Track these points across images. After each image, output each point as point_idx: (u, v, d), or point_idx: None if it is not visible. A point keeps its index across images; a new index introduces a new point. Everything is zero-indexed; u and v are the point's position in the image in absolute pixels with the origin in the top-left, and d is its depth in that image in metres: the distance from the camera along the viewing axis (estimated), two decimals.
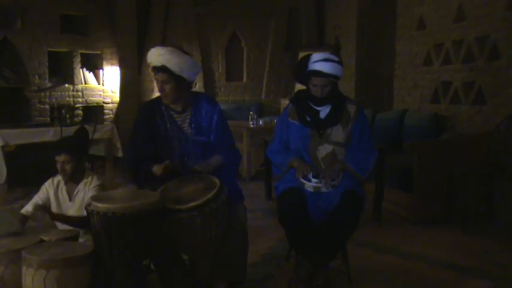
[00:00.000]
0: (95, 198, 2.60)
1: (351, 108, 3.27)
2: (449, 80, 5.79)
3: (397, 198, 5.04)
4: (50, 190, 3.30)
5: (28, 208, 3.24)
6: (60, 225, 3.28)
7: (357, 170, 3.18)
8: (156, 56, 2.92)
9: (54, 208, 3.29)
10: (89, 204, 2.53)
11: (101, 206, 2.46)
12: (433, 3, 6.06)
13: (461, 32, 5.57)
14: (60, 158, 3.17)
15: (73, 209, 3.24)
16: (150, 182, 2.94)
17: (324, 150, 3.23)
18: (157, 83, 3.00)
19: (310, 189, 3.09)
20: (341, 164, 3.18)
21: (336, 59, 3.19)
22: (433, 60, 6.08)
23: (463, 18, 5.56)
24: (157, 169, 2.89)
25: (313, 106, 3.25)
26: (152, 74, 3.04)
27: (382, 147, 4.83)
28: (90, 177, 3.28)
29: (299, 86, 3.51)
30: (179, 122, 3.08)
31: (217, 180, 2.76)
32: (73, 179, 3.25)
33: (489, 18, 5.17)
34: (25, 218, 3.12)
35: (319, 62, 3.14)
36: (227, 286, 3.00)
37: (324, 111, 3.25)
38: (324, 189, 3.08)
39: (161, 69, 2.92)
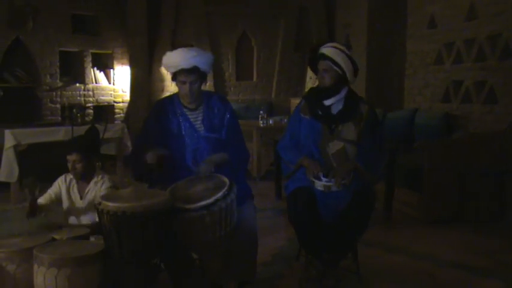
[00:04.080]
0: (105, 197, 2.61)
1: (364, 108, 3.25)
2: (460, 79, 5.75)
3: (407, 198, 5.01)
4: (62, 187, 3.33)
5: (41, 201, 3.27)
6: (71, 221, 3.31)
7: (368, 170, 3.16)
8: (188, 58, 2.95)
9: (65, 205, 3.32)
10: (99, 204, 2.54)
11: (111, 205, 2.47)
12: (444, 1, 6.02)
13: (472, 30, 5.53)
14: (72, 157, 3.20)
15: (84, 207, 3.27)
16: (159, 181, 2.96)
17: (335, 146, 3.21)
18: (183, 84, 3.00)
19: (321, 188, 3.08)
20: (352, 164, 3.17)
21: (341, 47, 3.20)
22: (444, 59, 6.04)
23: (475, 16, 5.52)
24: (151, 157, 2.90)
25: (323, 101, 3.23)
26: (163, 70, 3.06)
27: (392, 146, 4.82)
28: (100, 177, 3.30)
29: (309, 86, 3.51)
30: (192, 119, 3.11)
31: (226, 179, 2.77)
32: (84, 178, 3.28)
33: (501, 17, 5.13)
34: (41, 209, 3.14)
35: (325, 47, 3.20)
36: (237, 285, 3.01)
37: (335, 107, 3.24)
38: (334, 189, 3.07)
39: (192, 71, 2.96)
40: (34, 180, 3.12)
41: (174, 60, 2.99)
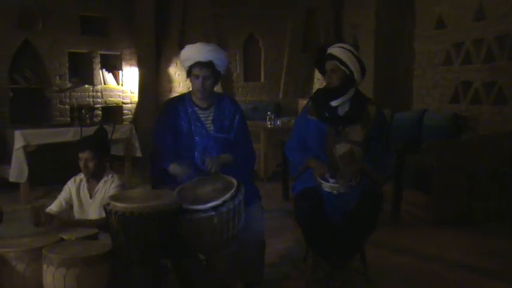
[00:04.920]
0: (113, 197, 2.63)
1: (372, 109, 3.24)
2: (469, 79, 5.72)
3: (415, 198, 4.99)
4: (72, 188, 3.36)
5: (52, 208, 3.30)
6: None
7: (375, 171, 3.16)
8: (204, 52, 3.02)
9: (75, 206, 3.34)
10: (107, 204, 2.56)
11: (119, 205, 2.49)
12: (452, 1, 5.99)
13: (481, 31, 5.50)
14: (84, 155, 3.23)
15: (93, 206, 3.29)
16: (167, 182, 2.97)
17: (342, 148, 3.20)
18: (196, 78, 3.06)
19: (328, 190, 3.08)
20: (359, 165, 3.16)
21: (348, 47, 3.20)
22: (452, 60, 6.01)
23: (483, 17, 5.49)
24: (176, 170, 2.93)
25: (329, 102, 3.22)
26: (171, 71, 3.11)
27: (400, 147, 4.80)
28: (110, 176, 3.32)
29: (317, 86, 3.52)
30: (202, 118, 3.15)
31: (234, 181, 2.77)
32: (94, 177, 3.30)
33: (510, 17, 5.09)
34: (51, 217, 3.16)
35: (332, 48, 3.20)
36: (244, 286, 3.01)
37: (342, 109, 3.23)
38: (341, 190, 3.06)
39: (207, 65, 3.01)
40: (43, 206, 3.15)
41: (192, 52, 3.06)
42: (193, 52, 3.05)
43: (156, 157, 3.16)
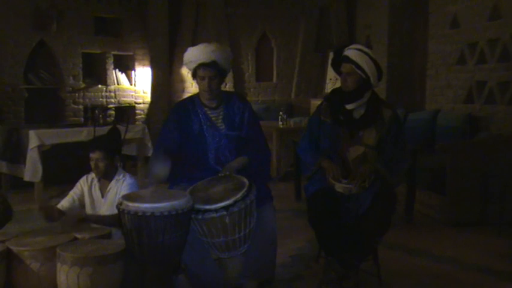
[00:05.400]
0: (125, 197, 2.64)
1: (386, 112, 3.19)
2: (484, 79, 5.66)
3: (429, 200, 4.95)
4: (84, 187, 3.38)
5: (64, 204, 3.33)
6: None
7: (389, 173, 3.12)
8: (207, 52, 3.02)
9: (87, 204, 3.37)
10: (120, 203, 2.57)
11: (131, 205, 2.50)
12: (466, 1, 5.93)
13: (496, 30, 5.44)
14: (95, 155, 3.25)
15: (105, 205, 3.31)
16: (179, 182, 2.98)
17: (355, 151, 3.18)
18: (202, 79, 3.06)
19: (340, 190, 3.06)
20: (372, 166, 3.13)
21: (366, 50, 3.15)
22: (467, 60, 5.95)
23: (499, 16, 5.43)
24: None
25: (345, 105, 3.19)
26: (183, 71, 3.12)
27: (414, 148, 4.76)
28: (122, 175, 3.34)
29: (329, 86, 3.50)
30: (213, 118, 3.15)
31: (246, 180, 2.77)
32: (105, 177, 3.32)
33: None
34: (61, 213, 3.19)
35: (349, 50, 3.15)
36: (256, 286, 3.01)
37: (357, 112, 3.20)
38: (354, 191, 3.05)
39: (211, 65, 3.01)
40: (52, 207, 3.18)
41: (194, 54, 3.06)
42: (196, 54, 3.05)
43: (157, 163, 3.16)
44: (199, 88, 3.14)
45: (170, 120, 3.20)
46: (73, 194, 3.39)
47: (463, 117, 5.59)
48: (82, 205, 3.38)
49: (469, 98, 5.90)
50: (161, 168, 2.78)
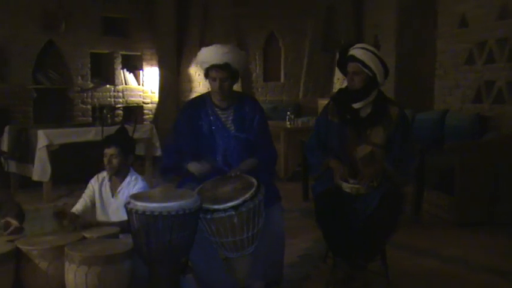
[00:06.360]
0: (134, 196, 2.65)
1: (394, 111, 3.18)
2: (492, 79, 5.62)
3: (437, 200, 4.93)
4: (95, 186, 3.38)
5: (78, 207, 3.32)
6: (101, 219, 3.35)
7: (397, 173, 3.12)
8: (220, 54, 3.00)
9: (98, 204, 3.37)
10: (128, 203, 2.58)
11: (139, 204, 2.51)
12: (475, 0, 5.89)
13: (505, 29, 5.40)
14: (110, 151, 3.24)
15: (115, 205, 3.30)
16: (189, 182, 2.99)
17: (363, 151, 3.18)
18: (214, 80, 3.04)
19: (348, 190, 3.05)
20: (380, 166, 3.12)
21: (371, 48, 3.14)
22: (475, 59, 5.92)
23: (507, 15, 5.39)
24: (195, 167, 2.94)
25: (351, 104, 3.18)
26: (191, 71, 3.12)
27: (422, 148, 4.74)
28: (133, 177, 3.33)
29: (337, 86, 3.49)
30: (223, 119, 3.14)
31: (254, 180, 2.77)
32: (117, 175, 3.30)
33: None
34: (76, 217, 3.18)
35: (355, 49, 3.14)
36: (264, 286, 3.01)
37: (364, 111, 3.20)
38: (361, 191, 3.04)
39: (223, 67, 2.99)
40: (64, 209, 3.19)
41: (207, 55, 3.04)
42: (209, 55, 3.03)
43: (168, 155, 3.20)
44: (211, 88, 3.13)
45: (181, 120, 3.20)
46: (85, 195, 3.39)
47: (472, 117, 5.55)
48: (93, 204, 3.38)
49: (478, 97, 5.87)
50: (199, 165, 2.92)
